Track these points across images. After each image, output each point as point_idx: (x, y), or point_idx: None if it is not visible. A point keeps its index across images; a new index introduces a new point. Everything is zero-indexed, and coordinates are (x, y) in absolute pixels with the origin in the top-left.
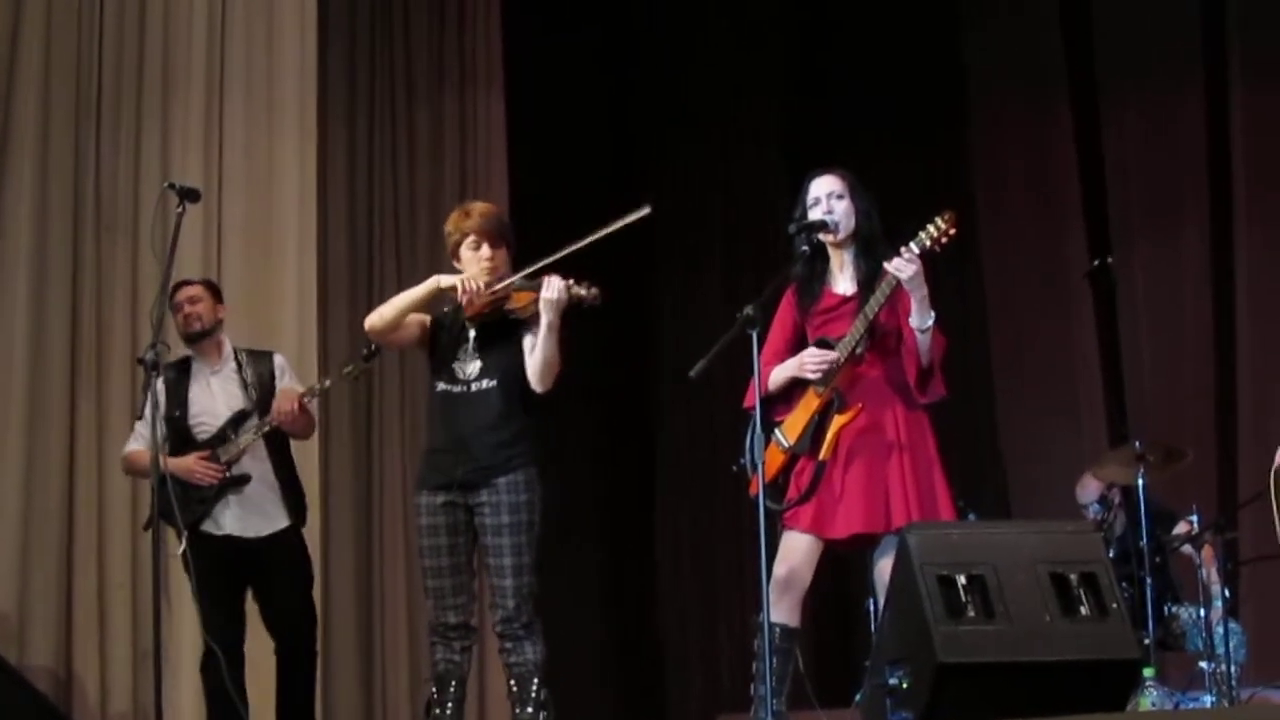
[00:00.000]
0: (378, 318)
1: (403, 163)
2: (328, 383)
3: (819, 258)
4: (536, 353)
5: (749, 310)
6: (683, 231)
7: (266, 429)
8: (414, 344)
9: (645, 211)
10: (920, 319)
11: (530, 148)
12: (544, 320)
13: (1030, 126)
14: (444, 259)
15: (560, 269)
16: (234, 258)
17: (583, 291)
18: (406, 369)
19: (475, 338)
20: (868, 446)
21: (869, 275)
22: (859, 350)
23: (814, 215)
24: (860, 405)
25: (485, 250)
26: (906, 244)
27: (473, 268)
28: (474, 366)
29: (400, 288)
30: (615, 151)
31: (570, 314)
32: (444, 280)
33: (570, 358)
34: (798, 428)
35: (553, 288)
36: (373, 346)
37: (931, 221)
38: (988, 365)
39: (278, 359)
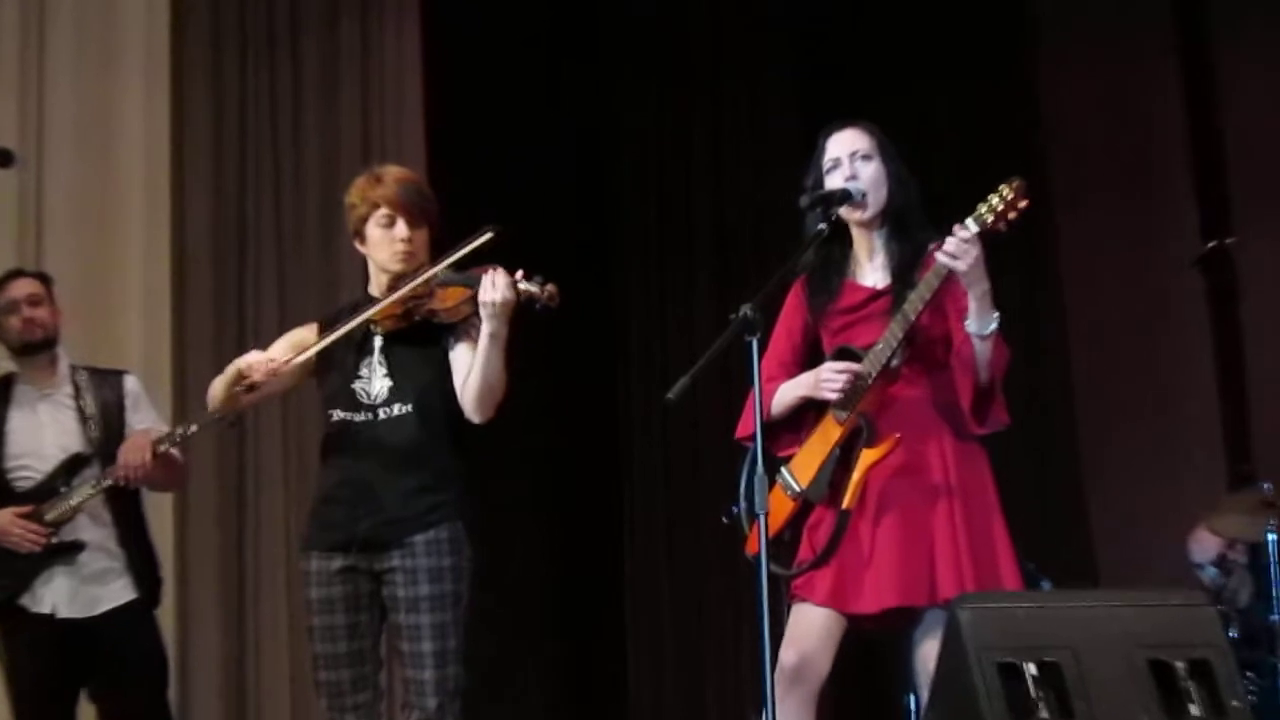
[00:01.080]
0: (212, 397)
1: (285, 114)
2: (193, 428)
3: (839, 240)
4: (474, 372)
5: (746, 310)
6: (657, 206)
7: (108, 484)
8: (295, 382)
9: (487, 236)
10: (979, 322)
11: (454, 92)
12: (485, 328)
13: (1120, 85)
14: (341, 242)
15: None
16: (59, 242)
17: (534, 288)
18: (291, 394)
19: (384, 348)
20: (906, 492)
21: (906, 262)
22: (894, 363)
23: (832, 183)
24: (896, 436)
25: (401, 229)
26: (960, 221)
27: (383, 251)
28: (382, 387)
29: (283, 281)
30: (568, 97)
31: (516, 318)
32: (241, 361)
33: (513, 375)
34: (812, 466)
35: (497, 285)
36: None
37: (994, 191)
38: (1066, 385)
39: (129, 382)
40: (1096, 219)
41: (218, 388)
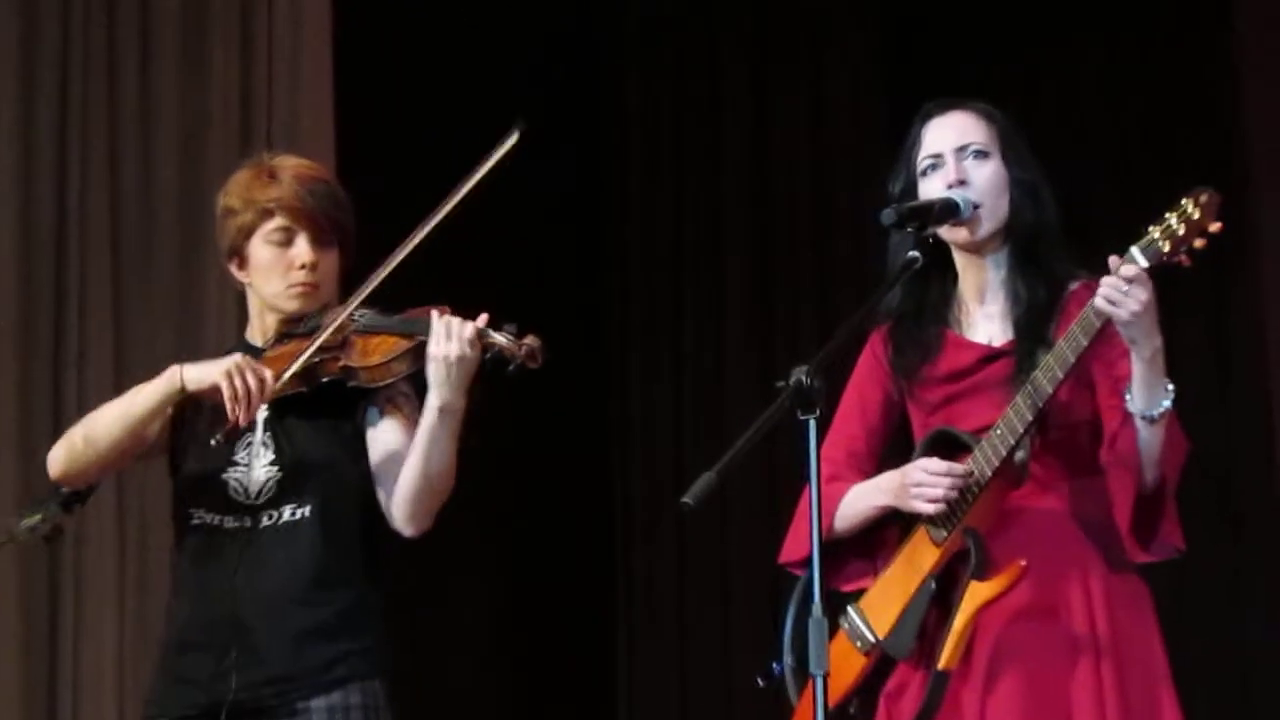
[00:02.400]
0: (69, 455)
1: (127, 80)
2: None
3: (938, 275)
4: (410, 463)
5: (801, 375)
6: (672, 220)
7: None
8: (147, 452)
9: (514, 138)
10: (1146, 398)
11: (378, 52)
12: (432, 399)
13: None
14: (207, 260)
15: (444, 293)
16: None
17: (505, 340)
18: (130, 480)
19: (271, 423)
20: (1032, 647)
21: (1038, 308)
22: (1018, 457)
23: (929, 191)
24: (1020, 565)
25: (302, 249)
26: (1120, 251)
27: (273, 280)
28: (267, 479)
29: (120, 311)
30: (550, 65)
31: (479, 384)
32: (192, 374)
33: (467, 458)
34: (893, 606)
35: (453, 334)
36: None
37: (1174, 208)
38: (1270, 486)
39: None
40: None
41: (102, 426)
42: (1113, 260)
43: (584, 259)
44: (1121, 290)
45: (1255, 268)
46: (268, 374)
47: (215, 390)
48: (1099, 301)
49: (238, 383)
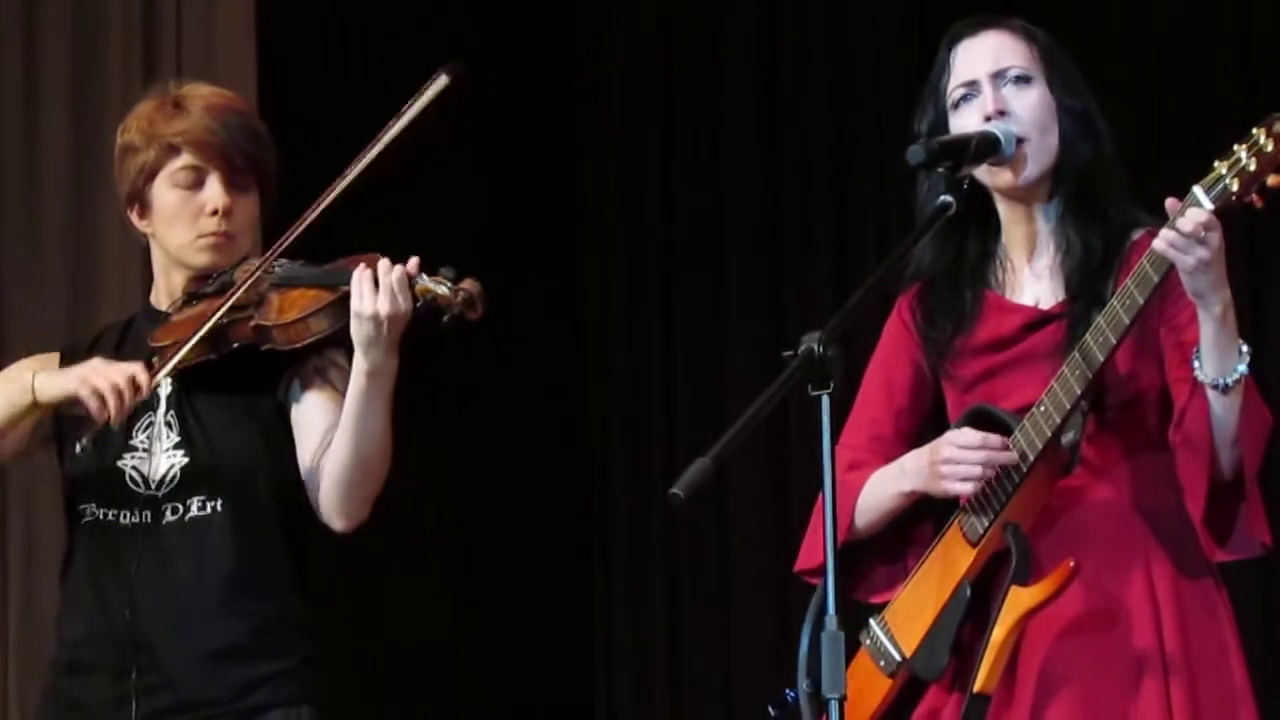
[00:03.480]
0: None
1: None
2: None
3: (977, 226)
4: (341, 437)
5: (814, 344)
6: (659, 163)
7: None
8: (25, 449)
9: (443, 82)
10: (1219, 362)
11: None
12: (359, 362)
13: None
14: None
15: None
16: None
17: (440, 288)
18: (13, 469)
19: (175, 401)
20: (1087, 663)
21: (1094, 263)
22: (1067, 438)
23: (963, 123)
24: (1070, 566)
25: (214, 191)
26: (1188, 191)
27: (181, 229)
28: (170, 467)
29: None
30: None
31: (413, 340)
32: (44, 384)
33: (410, 436)
34: (923, 618)
35: (381, 285)
36: None
37: (1243, 140)
38: None
39: None
40: None
41: None
42: (1170, 203)
43: (558, 205)
44: (1188, 236)
45: None
46: (137, 370)
47: (73, 401)
48: (1159, 244)
49: (101, 388)
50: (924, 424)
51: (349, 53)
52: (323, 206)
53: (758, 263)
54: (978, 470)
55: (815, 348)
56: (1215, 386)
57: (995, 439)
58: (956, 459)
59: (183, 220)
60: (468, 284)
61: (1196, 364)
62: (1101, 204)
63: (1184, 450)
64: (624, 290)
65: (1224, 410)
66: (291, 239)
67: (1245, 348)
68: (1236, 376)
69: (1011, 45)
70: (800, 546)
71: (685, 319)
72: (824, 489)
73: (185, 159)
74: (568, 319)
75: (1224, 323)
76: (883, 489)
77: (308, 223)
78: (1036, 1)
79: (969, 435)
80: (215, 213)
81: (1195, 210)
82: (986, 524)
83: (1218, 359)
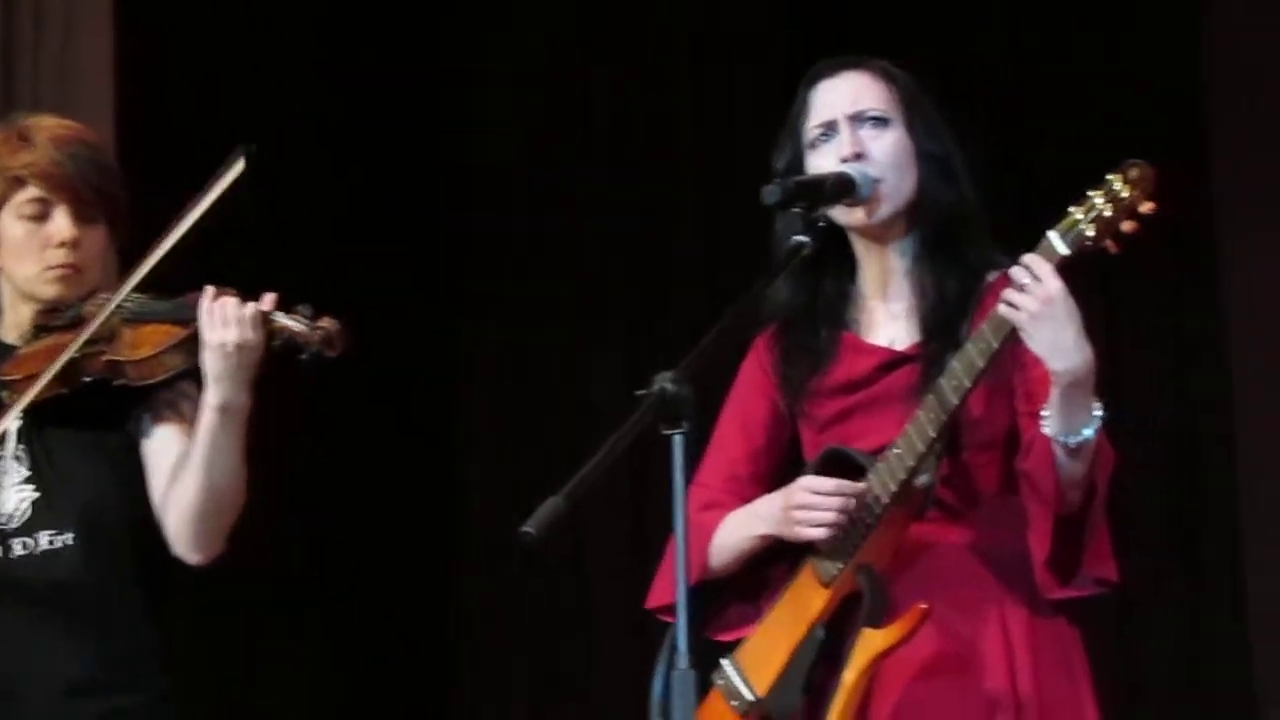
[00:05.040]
0: None
1: None
2: None
3: (833, 265)
4: (192, 472)
5: (666, 383)
6: (526, 201)
7: None
8: None
9: (240, 167)
10: (1063, 420)
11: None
12: (210, 396)
13: None
14: None
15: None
16: None
17: (297, 324)
18: None
19: (25, 436)
20: (941, 708)
21: (950, 306)
22: (922, 480)
23: (820, 165)
24: (922, 609)
25: (62, 224)
26: (1042, 236)
27: (27, 262)
28: (20, 503)
29: None
30: (380, 17)
31: (271, 376)
32: None
33: (266, 474)
34: (776, 659)
35: (229, 318)
36: None
37: (1102, 186)
38: (1230, 512)
39: None
40: None
41: None
42: (1023, 263)
43: (417, 234)
44: (1034, 287)
45: (1210, 258)
46: None
47: None
48: (1003, 306)
49: None
50: (781, 464)
51: (209, 88)
52: (178, 237)
53: (626, 296)
54: (830, 516)
55: (667, 387)
56: (1061, 440)
57: (852, 485)
58: (810, 505)
59: (30, 252)
60: (325, 322)
61: (1044, 414)
62: (959, 246)
63: (1029, 485)
64: (485, 326)
65: (1069, 463)
66: (147, 271)
67: (1098, 410)
68: (1081, 440)
69: (870, 87)
70: (652, 583)
71: (546, 355)
72: (676, 529)
73: (31, 191)
74: (428, 356)
75: (1074, 384)
76: (737, 531)
77: (165, 252)
78: (907, 40)
79: (823, 481)
80: (62, 245)
81: (1042, 259)
82: (840, 566)
83: (1063, 418)
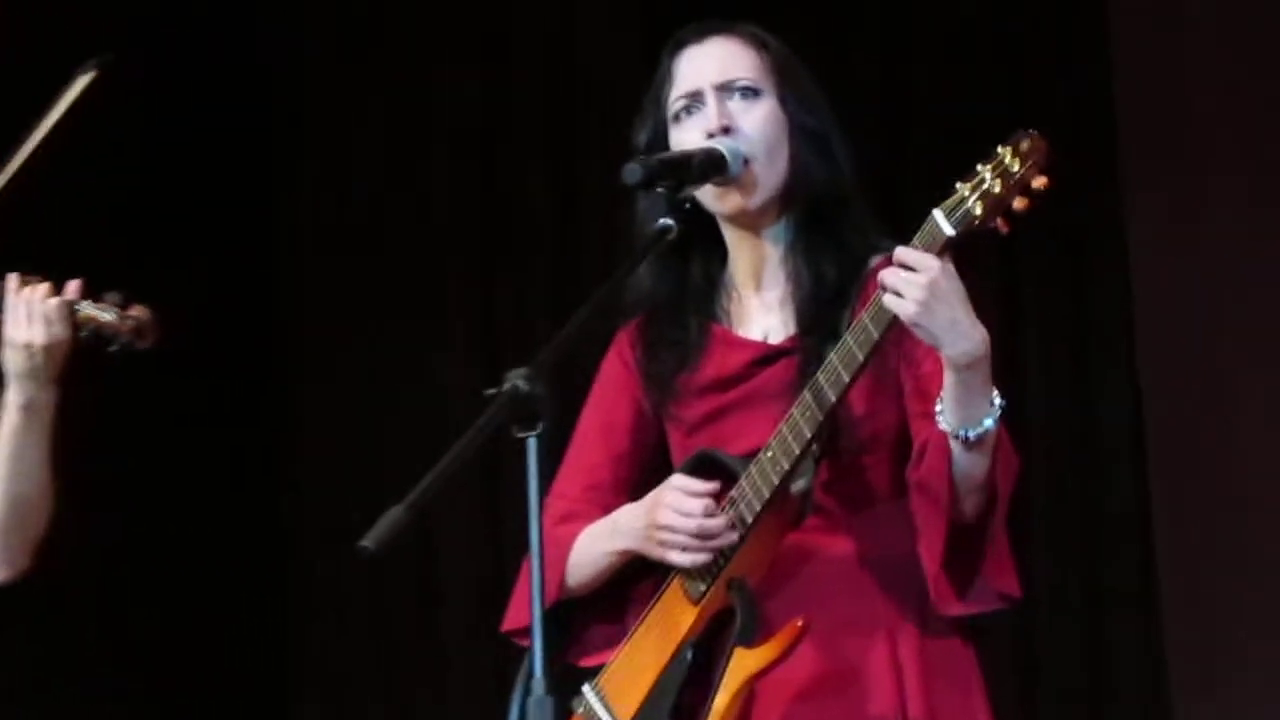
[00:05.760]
0: None
1: None
2: None
3: (701, 251)
4: None
5: (519, 381)
6: (361, 173)
7: None
8: None
9: (91, 76)
10: (960, 413)
11: None
12: (13, 395)
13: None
14: None
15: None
16: None
17: (105, 314)
18: None
19: None
20: None
21: (828, 295)
22: (798, 486)
23: (685, 140)
24: (798, 625)
25: None
26: (928, 216)
27: None
28: None
29: None
30: None
31: (78, 372)
32: None
33: (76, 479)
34: (641, 682)
35: (33, 311)
36: None
37: (990, 160)
38: (1141, 513)
39: None
40: (1207, 191)
41: None
42: (905, 249)
43: (247, 227)
44: (912, 275)
45: (1119, 242)
46: None
47: None
48: (888, 287)
49: None
50: (647, 469)
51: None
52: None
53: (471, 290)
54: (689, 525)
55: (519, 385)
56: (957, 435)
57: (713, 513)
58: (676, 526)
59: None
60: (136, 310)
61: (939, 408)
62: (837, 229)
63: (921, 493)
64: (320, 321)
65: (968, 462)
66: None
67: (998, 399)
68: (981, 431)
69: (740, 54)
70: (507, 605)
71: (389, 352)
72: (531, 544)
73: None
74: (255, 351)
75: (968, 374)
76: (597, 546)
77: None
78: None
79: (688, 486)
80: None
81: (927, 238)
82: (710, 580)
83: (960, 409)
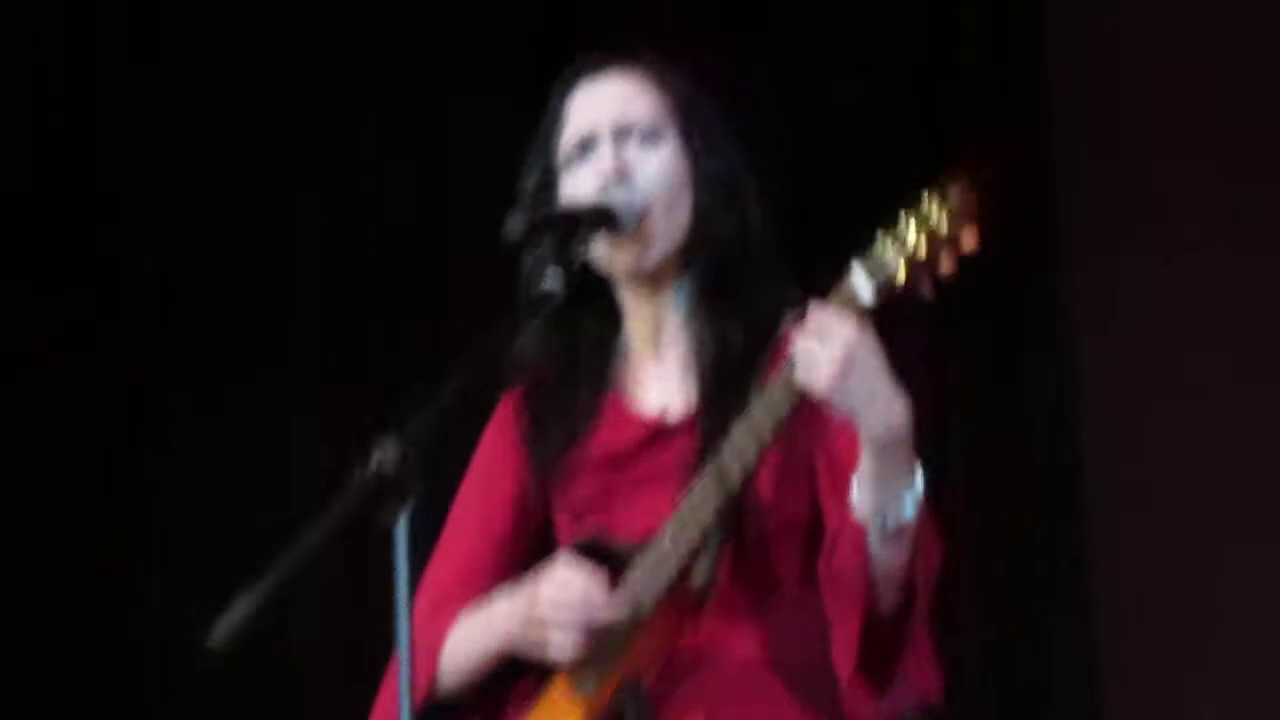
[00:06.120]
0: None
1: None
2: None
3: (594, 312)
4: None
5: (384, 453)
6: (208, 225)
7: None
8: None
9: None
10: (877, 497)
11: None
12: None
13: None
14: None
15: None
16: None
17: None
18: None
19: None
20: None
21: (734, 362)
22: (701, 578)
23: (576, 190)
24: None
25: None
26: (846, 266)
27: None
28: None
29: None
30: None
31: None
32: None
33: None
34: None
35: None
36: None
37: (913, 211)
38: (1079, 581)
39: None
40: (1157, 236)
41: None
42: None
43: (78, 265)
44: (820, 343)
45: (1060, 301)
46: None
47: None
48: (799, 355)
49: None
50: (529, 555)
51: None
52: None
53: (330, 353)
54: (575, 618)
55: (386, 461)
56: (872, 521)
57: (600, 599)
58: (559, 610)
59: None
60: None
61: (854, 493)
62: (744, 288)
63: (834, 587)
64: (163, 383)
65: (886, 552)
66: None
67: (919, 479)
68: (901, 519)
69: (639, 93)
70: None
71: (237, 420)
72: (398, 641)
73: None
74: (93, 423)
75: (887, 448)
76: (471, 641)
77: None
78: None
79: (571, 579)
80: None
81: (842, 299)
82: (597, 679)
83: (877, 493)
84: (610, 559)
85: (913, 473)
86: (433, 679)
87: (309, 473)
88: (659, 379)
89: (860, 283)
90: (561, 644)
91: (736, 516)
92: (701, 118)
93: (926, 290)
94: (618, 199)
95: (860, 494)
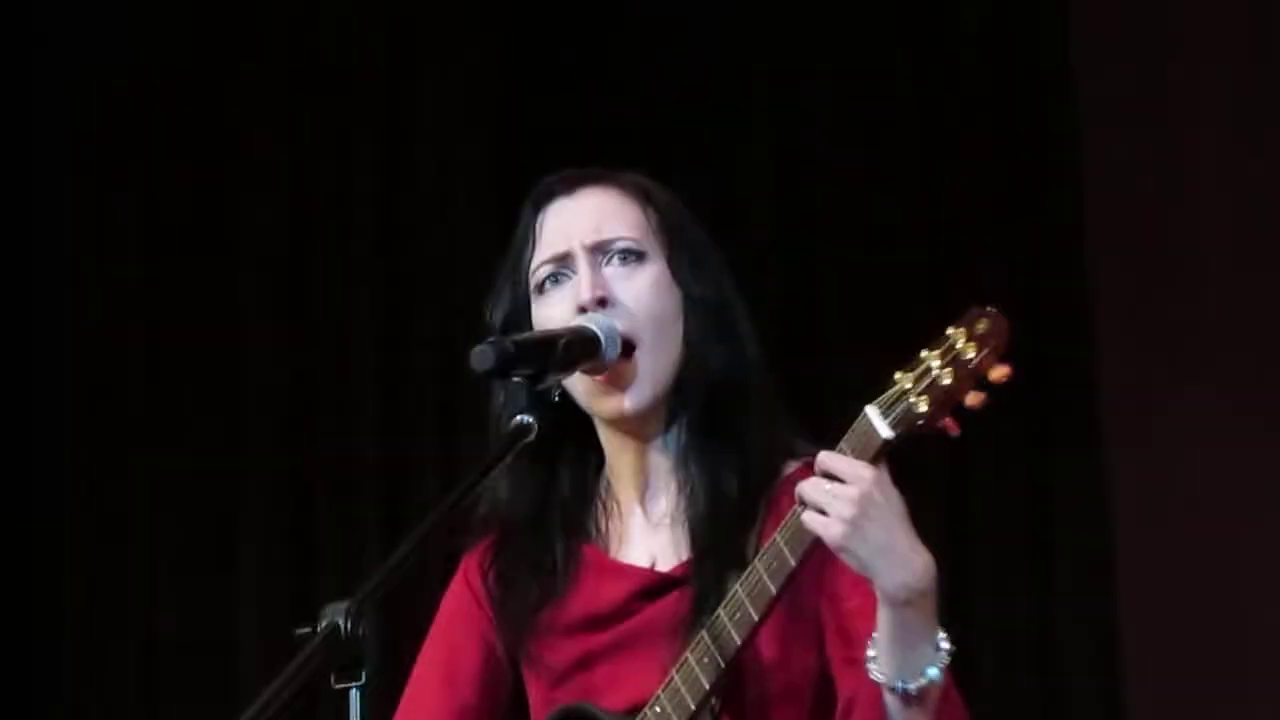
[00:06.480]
0: None
1: None
2: None
3: (571, 453)
4: None
5: (340, 617)
6: (143, 351)
7: None
8: None
9: None
10: (897, 661)
11: None
12: None
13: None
14: None
15: None
16: None
17: None
18: None
19: None
20: None
21: (727, 510)
22: None
23: (550, 317)
24: None
25: None
26: (860, 414)
27: None
28: None
29: None
30: None
31: None
32: None
33: None
34: None
35: None
36: None
37: (939, 344)
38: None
39: None
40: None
41: None
42: (831, 454)
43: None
44: (837, 489)
45: (1092, 425)
46: None
47: None
48: (805, 511)
49: None
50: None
51: None
52: None
53: (280, 508)
54: None
55: (342, 623)
56: (894, 691)
57: None
58: None
59: None
60: None
61: (871, 655)
62: (740, 429)
63: None
64: (91, 529)
65: (905, 715)
66: None
67: (945, 643)
68: (924, 684)
69: (618, 208)
70: None
71: (177, 574)
72: None
73: None
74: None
75: (905, 610)
76: None
77: None
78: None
79: None
80: None
81: (860, 439)
82: None
83: (898, 656)
84: None
85: (936, 636)
86: None
87: (255, 637)
88: (645, 528)
89: (877, 419)
90: None
91: (735, 683)
92: (688, 234)
93: (950, 427)
94: (600, 326)
95: (877, 658)
